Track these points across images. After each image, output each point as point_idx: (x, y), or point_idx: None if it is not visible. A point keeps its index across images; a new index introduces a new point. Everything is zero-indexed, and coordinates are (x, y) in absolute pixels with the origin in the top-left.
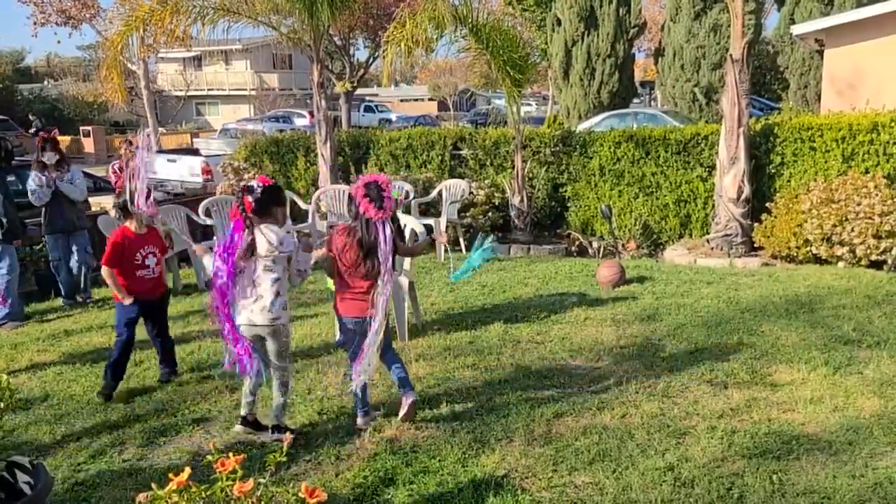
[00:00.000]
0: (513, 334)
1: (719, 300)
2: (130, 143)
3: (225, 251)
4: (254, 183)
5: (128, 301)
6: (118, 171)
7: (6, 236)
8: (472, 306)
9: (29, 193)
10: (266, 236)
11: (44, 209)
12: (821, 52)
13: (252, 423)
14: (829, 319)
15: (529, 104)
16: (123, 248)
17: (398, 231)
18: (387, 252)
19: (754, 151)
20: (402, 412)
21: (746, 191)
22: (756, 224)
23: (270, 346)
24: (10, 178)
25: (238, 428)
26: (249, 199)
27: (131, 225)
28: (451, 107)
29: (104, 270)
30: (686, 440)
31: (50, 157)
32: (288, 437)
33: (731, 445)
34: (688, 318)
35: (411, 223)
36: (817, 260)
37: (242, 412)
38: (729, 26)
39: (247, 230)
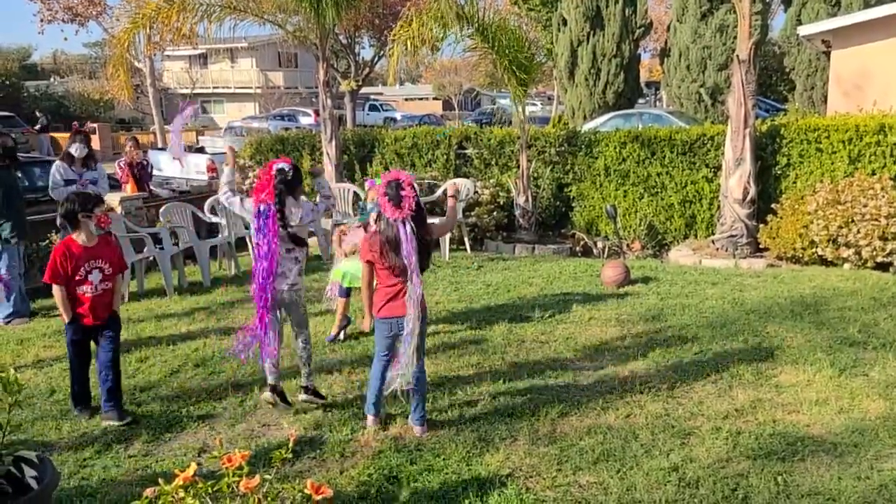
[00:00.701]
0: (517, 334)
1: (724, 301)
2: (136, 140)
3: (266, 228)
4: (284, 165)
5: (66, 319)
6: (124, 168)
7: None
8: (476, 306)
9: (50, 184)
10: (293, 211)
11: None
12: (827, 54)
13: (280, 394)
14: (835, 321)
15: (534, 104)
16: (66, 263)
17: (423, 225)
18: (409, 250)
19: (760, 152)
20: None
21: (752, 192)
22: (761, 225)
23: (292, 317)
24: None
25: (266, 394)
26: (282, 177)
27: (78, 237)
28: (455, 106)
29: (54, 289)
30: (691, 441)
31: (80, 150)
32: (293, 434)
33: (736, 446)
34: (692, 318)
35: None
36: (823, 261)
37: (271, 381)
38: (735, 27)
39: (277, 203)
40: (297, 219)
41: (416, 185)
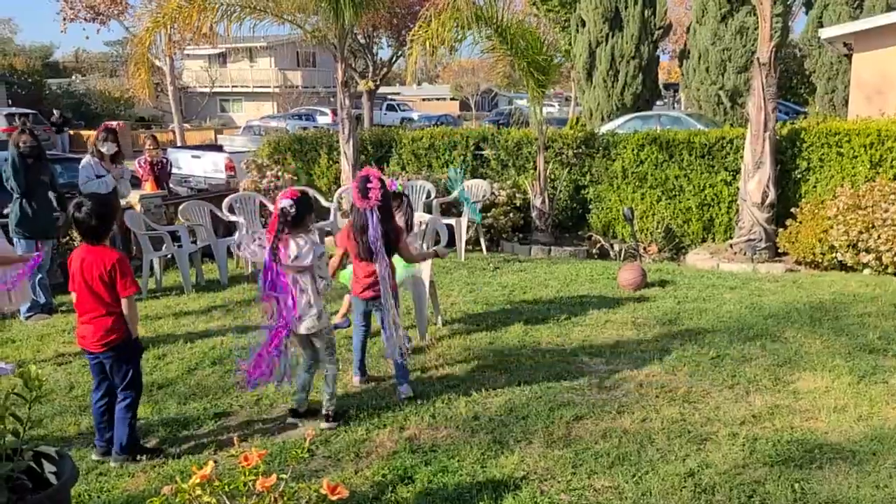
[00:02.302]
0: (533, 336)
1: (742, 305)
2: (154, 138)
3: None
4: (285, 203)
5: (136, 333)
6: (145, 166)
7: (29, 233)
8: (492, 307)
9: (81, 179)
10: (289, 249)
11: None
12: (849, 57)
13: (303, 416)
14: (854, 327)
15: (552, 105)
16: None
17: (388, 218)
18: (375, 235)
19: (780, 156)
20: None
21: (771, 195)
22: (780, 229)
23: (317, 344)
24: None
25: (290, 419)
26: (287, 218)
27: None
28: (472, 106)
29: (129, 302)
30: (707, 446)
31: (111, 148)
32: (310, 433)
33: (753, 453)
34: (710, 323)
35: (433, 223)
36: (842, 267)
37: (293, 405)
38: (755, 29)
39: (275, 241)
40: (294, 255)
41: (384, 180)
